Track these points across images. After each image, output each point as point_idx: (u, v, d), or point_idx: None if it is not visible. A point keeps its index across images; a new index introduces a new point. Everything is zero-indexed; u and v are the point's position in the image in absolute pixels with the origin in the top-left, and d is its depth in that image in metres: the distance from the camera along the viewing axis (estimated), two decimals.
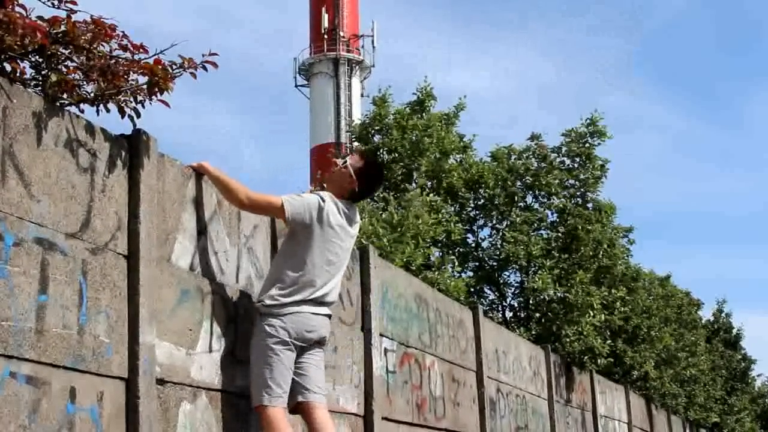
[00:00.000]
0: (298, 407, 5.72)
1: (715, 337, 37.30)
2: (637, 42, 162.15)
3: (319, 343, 5.77)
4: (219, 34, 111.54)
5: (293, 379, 5.63)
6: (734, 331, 40.47)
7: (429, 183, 16.17)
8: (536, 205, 17.64)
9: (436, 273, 11.96)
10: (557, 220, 17.63)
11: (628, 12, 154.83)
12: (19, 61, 4.36)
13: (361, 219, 10.30)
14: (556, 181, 17.39)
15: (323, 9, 52.03)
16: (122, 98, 4.73)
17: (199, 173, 5.55)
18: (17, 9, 4.22)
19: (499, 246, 16.74)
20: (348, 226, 5.83)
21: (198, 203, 5.52)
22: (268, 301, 5.55)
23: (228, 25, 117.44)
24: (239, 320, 5.81)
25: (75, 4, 4.49)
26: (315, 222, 5.61)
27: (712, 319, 38.88)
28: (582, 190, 17.97)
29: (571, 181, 17.97)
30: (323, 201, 5.68)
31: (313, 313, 5.64)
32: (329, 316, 5.80)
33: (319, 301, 5.67)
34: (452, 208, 16.37)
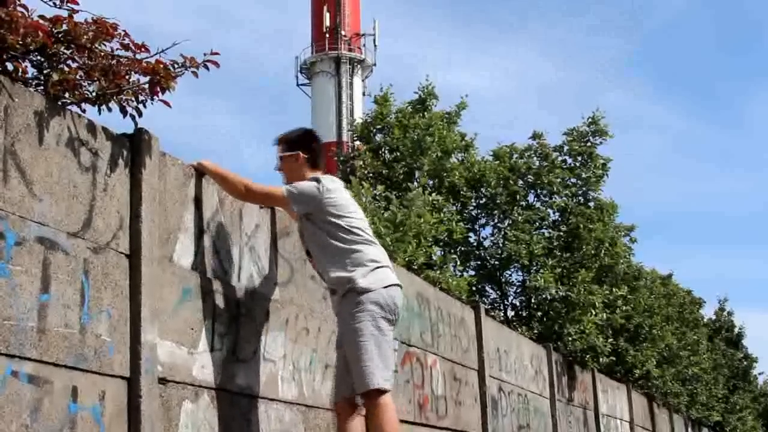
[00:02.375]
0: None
1: (717, 335, 37.29)
2: (637, 42, 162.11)
3: (396, 319, 5.72)
4: (219, 33, 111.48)
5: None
6: (736, 330, 40.49)
7: (431, 182, 16.17)
8: (538, 204, 17.62)
9: (438, 272, 11.95)
10: (559, 218, 17.62)
11: (628, 12, 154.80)
12: (20, 60, 4.36)
13: None
14: (558, 180, 17.38)
15: (325, 8, 52.04)
16: (124, 97, 4.74)
17: (201, 172, 5.56)
18: (19, 8, 4.22)
19: (500, 245, 16.72)
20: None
21: (199, 202, 5.52)
22: (361, 282, 5.52)
23: (228, 25, 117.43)
24: (241, 319, 5.81)
25: (76, 3, 4.50)
26: (324, 199, 5.59)
27: (713, 317, 38.88)
28: (584, 188, 17.96)
29: (573, 180, 17.96)
30: (319, 181, 5.65)
31: (396, 285, 5.71)
32: (400, 287, 5.80)
33: (391, 268, 5.75)
34: (454, 207, 16.36)
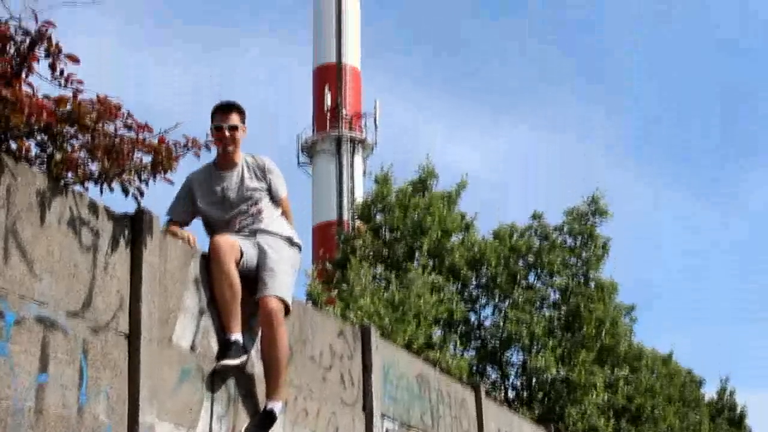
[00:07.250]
0: None
1: (720, 415, 36.94)
2: (638, 120, 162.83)
3: None
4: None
5: None
6: (739, 409, 40.10)
7: (431, 262, 16.16)
8: (538, 284, 17.61)
9: (438, 352, 11.88)
10: (560, 298, 17.59)
11: (627, 90, 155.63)
12: (24, 139, 4.38)
13: (362, 299, 10.28)
14: (559, 260, 17.39)
15: (326, 87, 52.48)
16: (126, 177, 4.75)
17: (203, 255, 5.56)
18: (25, 88, 4.25)
19: (501, 325, 16.67)
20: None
21: (200, 282, 5.51)
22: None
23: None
24: (240, 400, 5.75)
25: (81, 83, 4.53)
26: None
27: (715, 397, 38.56)
28: (584, 268, 17.96)
29: (573, 260, 17.97)
30: None
31: None
32: None
33: None
34: (454, 287, 16.33)
